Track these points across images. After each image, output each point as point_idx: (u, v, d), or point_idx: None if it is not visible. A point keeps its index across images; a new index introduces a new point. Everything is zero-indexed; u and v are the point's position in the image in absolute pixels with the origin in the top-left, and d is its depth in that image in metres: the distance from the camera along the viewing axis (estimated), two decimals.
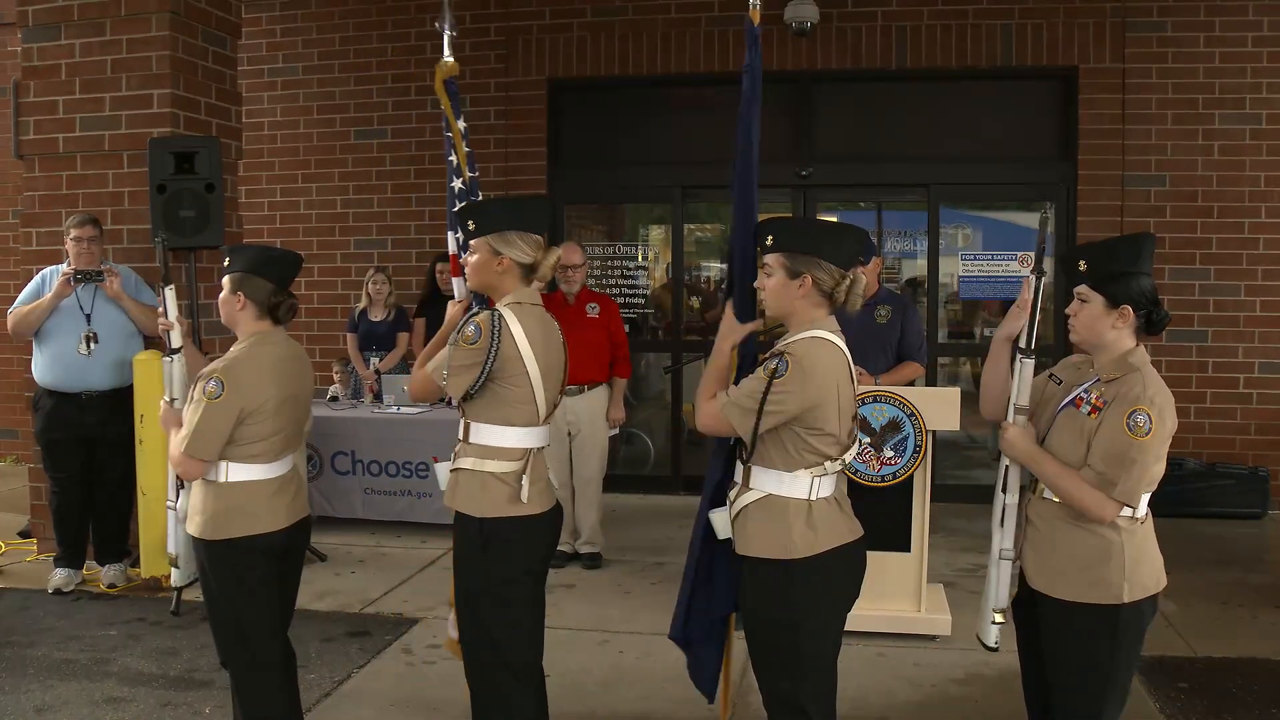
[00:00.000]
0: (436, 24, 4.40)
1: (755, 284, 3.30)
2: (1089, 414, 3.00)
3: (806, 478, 3.04)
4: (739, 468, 3.21)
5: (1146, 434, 2.88)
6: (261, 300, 3.59)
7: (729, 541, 3.26)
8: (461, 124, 4.31)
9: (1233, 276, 8.12)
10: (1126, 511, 2.96)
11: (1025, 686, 3.30)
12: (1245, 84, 8.02)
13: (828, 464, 3.06)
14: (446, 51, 4.32)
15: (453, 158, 4.33)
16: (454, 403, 3.49)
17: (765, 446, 3.08)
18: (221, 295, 3.64)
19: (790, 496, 3.06)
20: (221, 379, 3.42)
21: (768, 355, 3.07)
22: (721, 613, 3.65)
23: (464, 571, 3.45)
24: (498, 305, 3.42)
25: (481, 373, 3.29)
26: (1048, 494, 3.09)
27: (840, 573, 3.08)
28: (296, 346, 3.73)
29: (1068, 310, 3.16)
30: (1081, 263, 3.09)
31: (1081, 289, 3.08)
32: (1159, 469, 2.98)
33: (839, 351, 3.09)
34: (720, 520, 3.33)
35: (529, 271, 3.47)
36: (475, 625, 3.44)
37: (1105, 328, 3.04)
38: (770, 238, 3.19)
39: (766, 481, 3.10)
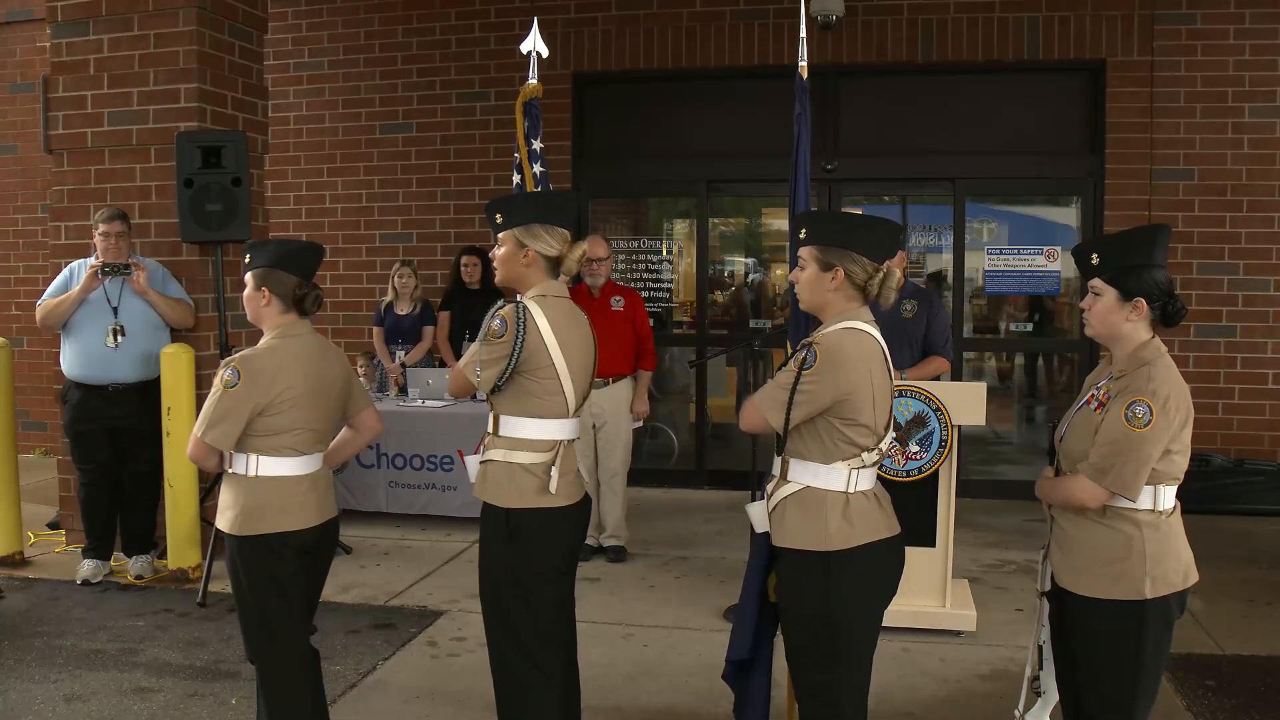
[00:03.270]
0: (521, 46, 4.40)
1: (789, 276, 3.31)
2: (1095, 410, 3.00)
3: (844, 470, 3.03)
4: (776, 460, 3.21)
5: (1145, 425, 2.85)
6: (286, 294, 3.59)
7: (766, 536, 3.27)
8: (537, 145, 4.33)
9: (1262, 271, 8.05)
10: (1145, 504, 2.94)
11: (1058, 683, 3.28)
12: (1275, 77, 7.95)
13: (865, 455, 3.05)
14: (532, 74, 4.32)
15: (517, 177, 4.35)
16: (480, 396, 3.50)
17: (802, 439, 3.08)
18: (246, 292, 3.63)
19: (828, 489, 3.05)
20: (238, 368, 3.43)
21: (798, 347, 3.07)
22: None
23: (489, 561, 3.45)
24: (523, 298, 3.43)
25: (508, 365, 3.31)
26: None
27: (877, 567, 3.06)
28: (323, 340, 3.72)
29: (1082, 304, 3.14)
30: (1094, 255, 3.06)
31: (1095, 282, 3.05)
32: (1181, 461, 2.97)
33: (872, 341, 3.09)
34: (757, 513, 3.33)
35: (555, 265, 3.48)
36: (499, 616, 3.44)
37: (1120, 321, 3.01)
38: (804, 230, 3.19)
39: (804, 474, 3.09)
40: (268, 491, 3.47)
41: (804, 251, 3.17)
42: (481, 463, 3.48)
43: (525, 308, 3.35)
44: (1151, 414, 2.86)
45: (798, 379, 2.99)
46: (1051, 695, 3.32)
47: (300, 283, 3.60)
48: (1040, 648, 3.35)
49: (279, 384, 3.47)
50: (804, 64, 4.00)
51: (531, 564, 3.34)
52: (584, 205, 9.03)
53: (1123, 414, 2.88)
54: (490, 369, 3.34)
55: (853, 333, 3.06)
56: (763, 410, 3.08)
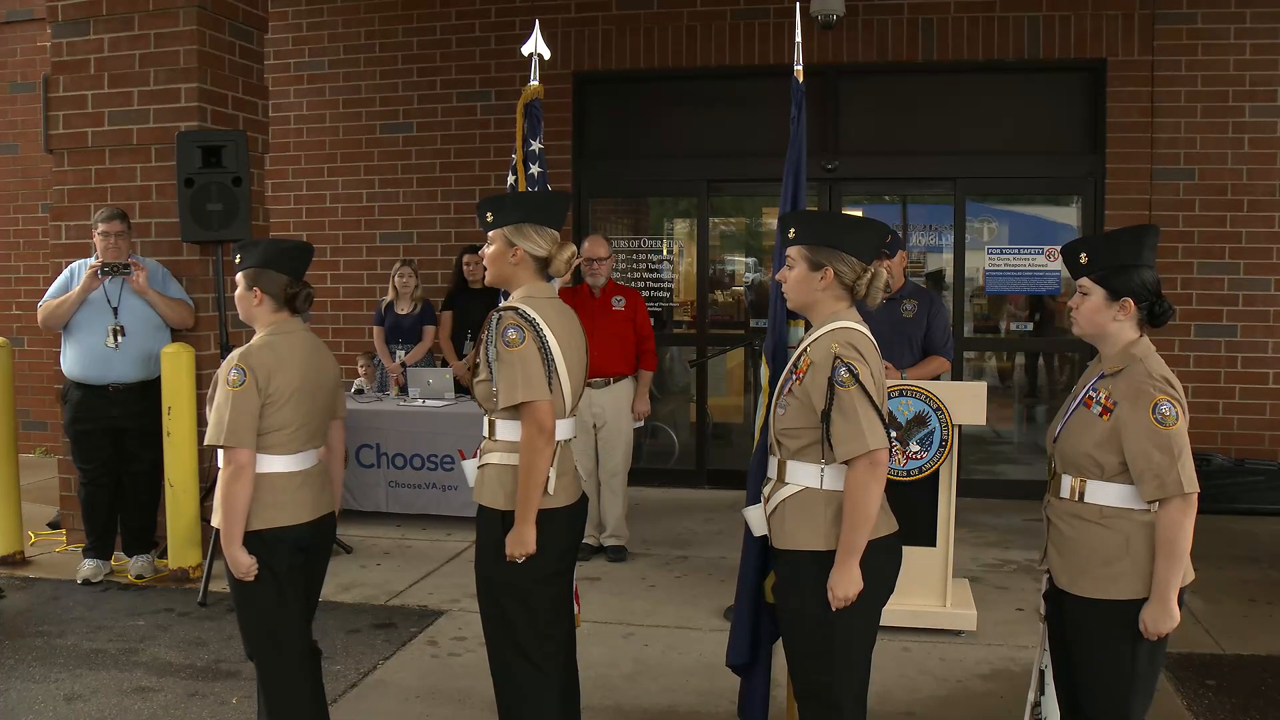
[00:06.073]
0: (523, 48, 4.41)
1: (776, 275, 3.30)
2: (1100, 415, 2.98)
3: (842, 470, 3.02)
4: (772, 463, 3.21)
5: (1176, 420, 2.87)
6: (278, 293, 3.60)
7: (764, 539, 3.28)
8: (537, 145, 4.33)
9: (1262, 271, 8.05)
10: (1142, 504, 2.94)
11: (1056, 683, 3.28)
12: (1276, 76, 7.95)
13: None
14: (534, 76, 4.33)
15: (511, 179, 4.36)
16: (476, 399, 3.48)
17: (801, 440, 3.07)
18: (237, 292, 3.65)
19: (828, 490, 3.05)
20: (241, 366, 3.43)
21: (835, 365, 2.96)
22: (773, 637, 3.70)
23: (486, 563, 3.44)
24: (513, 300, 3.41)
25: (549, 364, 3.30)
26: (1065, 494, 3.08)
27: (876, 567, 3.05)
28: (315, 338, 3.73)
29: (1069, 303, 3.14)
30: (1083, 255, 3.07)
31: (1083, 281, 3.07)
32: None
33: (871, 340, 3.10)
34: (755, 517, 3.33)
35: (543, 265, 3.47)
36: (496, 617, 3.43)
37: (1107, 320, 3.02)
38: (792, 230, 3.20)
39: (802, 475, 3.09)
40: (260, 488, 3.47)
41: (792, 251, 3.17)
42: (479, 467, 3.47)
43: (526, 311, 3.34)
44: (1175, 406, 2.88)
45: (865, 391, 2.95)
46: None
47: (291, 281, 3.62)
48: (1042, 673, 3.35)
49: (275, 380, 3.47)
50: (799, 68, 3.98)
51: (529, 565, 3.33)
52: (583, 205, 9.03)
53: (1151, 420, 2.87)
54: (535, 376, 3.26)
55: (857, 332, 3.06)
56: (882, 445, 2.97)
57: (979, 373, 9.22)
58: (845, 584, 2.96)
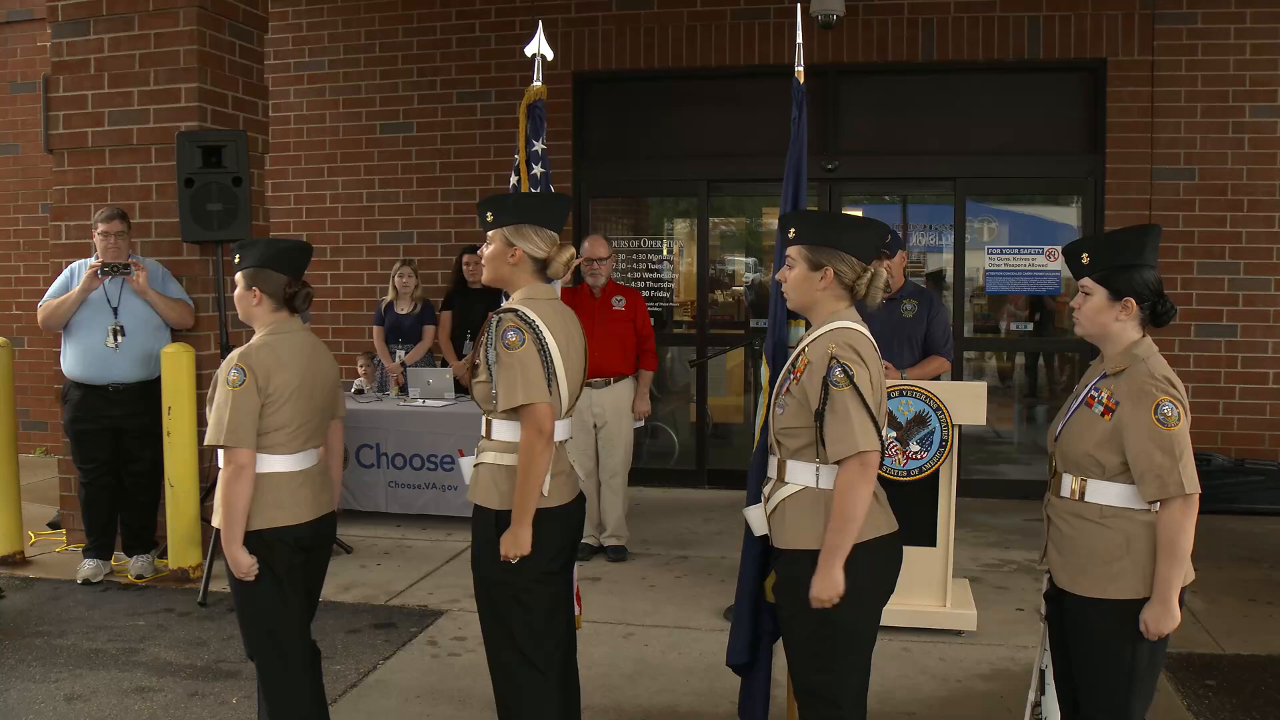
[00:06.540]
0: (525, 49, 4.41)
1: (776, 275, 3.30)
2: (1102, 414, 2.98)
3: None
4: (772, 462, 3.21)
5: (1178, 421, 2.87)
6: (277, 293, 3.60)
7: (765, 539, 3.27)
8: (539, 145, 4.33)
9: (1262, 271, 8.05)
10: (1142, 504, 2.94)
11: (1057, 682, 3.28)
12: (1276, 76, 7.94)
13: None
14: (537, 76, 4.33)
15: (514, 179, 4.37)
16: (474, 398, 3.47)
17: (801, 440, 3.07)
18: (236, 292, 3.65)
19: (826, 489, 3.04)
20: (241, 366, 3.43)
21: (831, 365, 2.97)
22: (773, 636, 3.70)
23: (482, 563, 3.43)
24: (513, 302, 3.41)
25: (549, 367, 3.29)
26: (1066, 493, 3.08)
27: (876, 565, 3.06)
28: (315, 338, 3.73)
29: (1072, 303, 3.14)
30: (1084, 255, 3.07)
31: (1085, 281, 3.06)
32: None
33: (870, 340, 3.10)
34: (755, 516, 3.32)
35: (542, 267, 3.46)
36: (493, 617, 3.42)
37: (1109, 320, 3.02)
38: (792, 230, 3.20)
39: (802, 475, 3.09)
40: (260, 488, 3.47)
41: (792, 250, 3.18)
42: (475, 465, 3.47)
43: (526, 313, 3.33)
44: (1178, 407, 2.88)
45: (860, 396, 2.95)
46: None
47: (290, 281, 3.62)
48: (1042, 672, 3.35)
49: (275, 379, 3.48)
50: (800, 69, 3.99)
51: (524, 565, 3.32)
52: (583, 205, 9.03)
53: (1153, 420, 2.87)
54: (535, 379, 3.25)
55: (856, 333, 3.06)
56: (873, 448, 2.97)
57: (979, 373, 9.22)
58: (824, 586, 2.95)
